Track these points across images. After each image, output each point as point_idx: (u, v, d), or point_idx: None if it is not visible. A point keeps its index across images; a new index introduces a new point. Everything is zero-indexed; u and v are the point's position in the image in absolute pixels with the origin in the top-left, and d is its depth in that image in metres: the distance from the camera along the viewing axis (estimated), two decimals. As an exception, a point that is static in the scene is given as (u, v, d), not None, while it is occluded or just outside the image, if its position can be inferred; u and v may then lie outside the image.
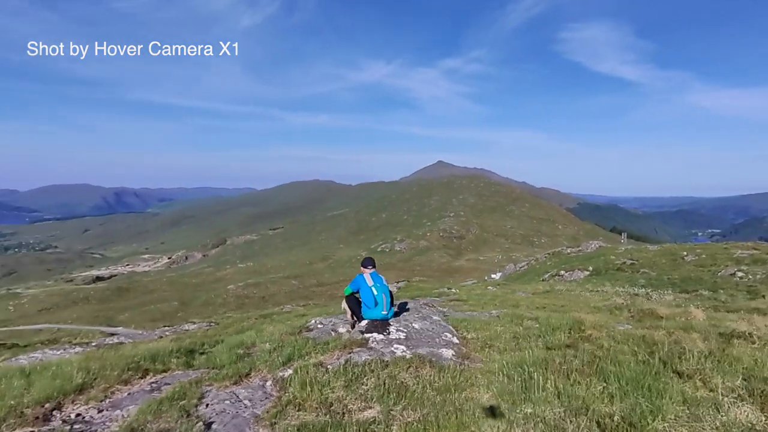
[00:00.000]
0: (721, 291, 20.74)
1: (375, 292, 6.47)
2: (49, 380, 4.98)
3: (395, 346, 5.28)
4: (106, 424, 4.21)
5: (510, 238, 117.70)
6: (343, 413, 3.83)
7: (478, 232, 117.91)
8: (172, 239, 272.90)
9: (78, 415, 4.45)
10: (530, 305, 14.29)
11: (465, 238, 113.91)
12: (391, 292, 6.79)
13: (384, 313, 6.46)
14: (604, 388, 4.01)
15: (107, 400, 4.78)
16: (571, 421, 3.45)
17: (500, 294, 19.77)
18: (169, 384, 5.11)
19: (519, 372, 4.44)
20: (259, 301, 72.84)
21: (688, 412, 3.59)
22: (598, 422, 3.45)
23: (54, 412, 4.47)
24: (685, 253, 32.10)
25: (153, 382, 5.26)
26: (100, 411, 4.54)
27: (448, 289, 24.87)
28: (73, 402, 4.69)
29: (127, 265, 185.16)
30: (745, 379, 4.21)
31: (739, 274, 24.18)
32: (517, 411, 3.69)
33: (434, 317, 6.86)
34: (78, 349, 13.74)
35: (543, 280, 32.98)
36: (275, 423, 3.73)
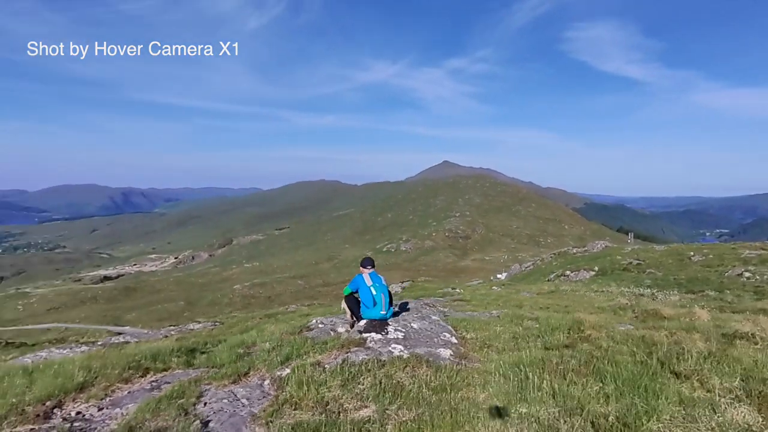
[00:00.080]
0: (728, 291, 20.58)
1: (374, 292, 6.49)
2: (51, 378, 5.04)
3: (393, 345, 5.30)
4: (106, 422, 4.25)
5: (516, 238, 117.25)
6: (339, 412, 3.85)
7: (483, 232, 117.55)
8: (178, 239, 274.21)
9: (78, 413, 4.50)
10: (534, 305, 14.26)
11: (471, 238, 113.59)
12: (390, 292, 6.80)
13: (383, 312, 6.48)
14: (600, 388, 4.01)
15: (108, 399, 4.83)
16: (565, 421, 3.45)
17: (504, 294, 19.72)
18: (169, 383, 5.15)
19: (515, 372, 4.45)
20: (265, 301, 73.02)
21: (683, 412, 3.58)
22: (592, 422, 3.44)
23: (55, 410, 4.53)
24: (691, 253, 31.89)
25: (153, 381, 5.31)
26: (100, 409, 4.59)
27: (453, 289, 24.85)
28: (74, 400, 4.74)
29: (135, 264, 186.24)
30: (743, 380, 4.19)
31: (747, 274, 23.98)
32: (512, 411, 3.70)
33: (433, 317, 6.87)
34: (84, 348, 13.85)
35: (548, 281, 32.88)
36: (271, 422, 3.76)
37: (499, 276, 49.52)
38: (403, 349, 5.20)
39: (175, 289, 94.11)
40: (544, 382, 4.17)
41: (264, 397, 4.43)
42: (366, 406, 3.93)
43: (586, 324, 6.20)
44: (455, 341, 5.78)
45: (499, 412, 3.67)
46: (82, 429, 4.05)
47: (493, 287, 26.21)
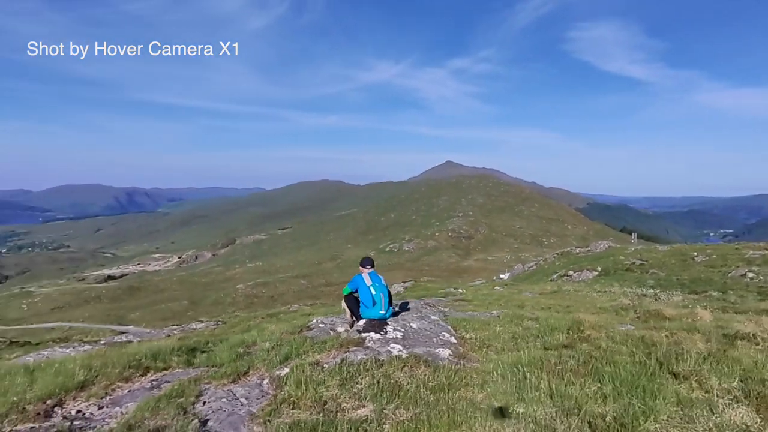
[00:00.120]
0: (731, 292, 20.49)
1: (373, 292, 6.50)
2: (52, 377, 5.07)
3: (392, 345, 5.31)
4: (106, 420, 4.28)
5: (519, 238, 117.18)
6: (337, 412, 3.86)
7: (486, 232, 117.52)
8: (182, 239, 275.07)
9: (78, 411, 4.53)
10: (535, 305, 14.24)
11: (474, 238, 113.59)
12: (389, 291, 6.80)
13: (382, 312, 6.48)
14: (598, 388, 4.00)
15: (108, 397, 4.85)
16: (562, 421, 3.45)
17: (506, 294, 19.70)
18: (169, 382, 5.18)
19: (514, 372, 4.45)
20: (267, 301, 73.20)
21: (681, 413, 3.58)
22: (589, 422, 3.44)
23: (55, 409, 4.55)
24: (695, 253, 31.76)
25: (154, 380, 5.33)
26: (100, 408, 4.61)
27: (455, 289, 24.84)
28: (74, 399, 4.77)
29: (138, 264, 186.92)
30: (742, 381, 4.18)
31: (750, 274, 23.88)
32: (509, 410, 3.70)
33: (433, 317, 6.87)
34: (87, 347, 13.91)
35: (551, 281, 32.81)
36: (269, 421, 3.78)
37: (502, 276, 49.47)
38: (401, 348, 5.21)
39: (178, 289, 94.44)
40: (542, 382, 4.17)
41: (263, 396, 4.44)
42: (364, 406, 3.94)
43: (586, 324, 6.20)
44: (454, 341, 5.78)
45: (496, 412, 3.67)
46: (82, 427, 4.08)
47: (496, 287, 26.18)
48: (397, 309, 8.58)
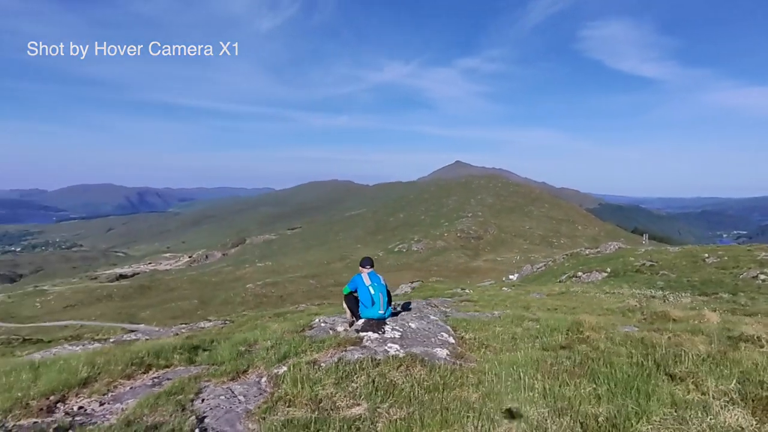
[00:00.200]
0: (742, 294, 20.27)
1: (372, 292, 6.53)
2: (56, 374, 5.17)
3: (389, 345, 5.34)
4: (106, 416, 4.36)
5: (529, 239, 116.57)
6: (331, 410, 3.91)
7: (496, 233, 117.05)
8: (192, 238, 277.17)
9: (80, 407, 4.62)
10: (541, 306, 14.21)
11: (483, 238, 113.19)
12: (389, 291, 6.83)
13: (381, 312, 6.51)
14: (593, 389, 4.00)
15: (110, 394, 4.94)
16: (553, 421, 3.46)
17: (513, 295, 19.65)
18: (170, 379, 5.25)
19: (509, 372, 4.46)
20: (277, 300, 73.53)
21: (675, 414, 3.57)
22: (581, 423, 3.45)
23: (58, 405, 4.65)
24: (706, 254, 31.44)
25: (155, 377, 5.41)
26: (102, 404, 4.70)
27: (462, 290, 24.80)
28: (77, 395, 4.86)
29: (150, 263, 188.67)
30: (740, 383, 4.15)
31: (762, 276, 23.58)
32: (502, 410, 3.71)
33: (432, 317, 6.89)
34: (96, 345, 14.11)
35: (560, 282, 32.64)
36: (264, 418, 3.83)
37: (511, 277, 49.30)
38: (399, 348, 5.24)
39: (188, 288, 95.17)
40: (537, 382, 4.18)
41: (260, 394, 4.50)
42: (358, 404, 3.98)
43: (586, 325, 6.18)
44: (453, 341, 5.80)
45: (489, 412, 3.68)
46: (82, 423, 4.15)
47: (503, 288, 26.10)
48: (398, 309, 8.61)
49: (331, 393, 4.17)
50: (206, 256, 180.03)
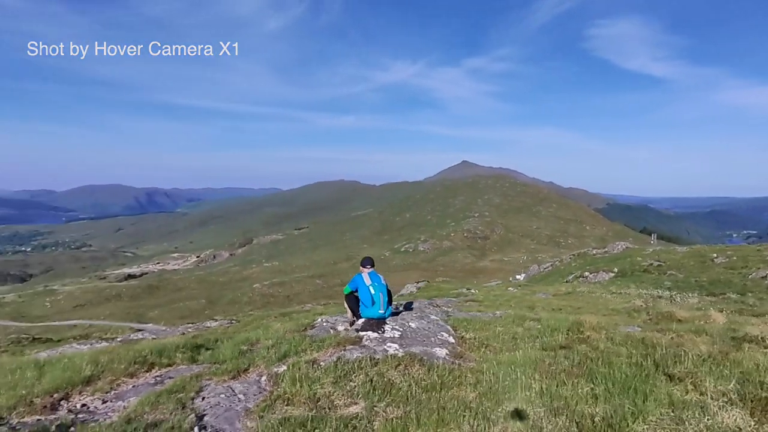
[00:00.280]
0: (750, 294, 20.09)
1: (372, 291, 6.56)
2: (60, 372, 5.24)
3: (388, 344, 5.37)
4: (108, 414, 4.42)
5: (536, 239, 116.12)
6: (329, 408, 3.94)
7: (503, 233, 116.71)
8: (200, 238, 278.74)
9: (83, 405, 4.69)
10: (546, 307, 14.17)
11: (489, 238, 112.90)
12: (389, 291, 6.86)
13: (381, 312, 6.54)
14: (590, 389, 4.00)
15: (112, 392, 5.00)
16: (549, 421, 3.47)
17: (519, 295, 19.60)
18: (172, 378, 5.31)
19: (508, 372, 4.47)
20: (283, 300, 73.79)
21: (672, 414, 3.56)
22: (577, 423, 3.45)
23: (61, 402, 4.72)
24: (714, 255, 31.17)
25: (158, 376, 5.47)
26: (104, 402, 4.77)
27: (468, 290, 24.77)
28: (80, 393, 4.93)
29: (158, 263, 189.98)
30: (739, 384, 4.13)
31: (771, 277, 23.35)
32: (499, 410, 3.73)
33: (432, 317, 6.91)
34: (104, 344, 14.25)
35: (566, 282, 32.49)
36: (263, 416, 3.87)
37: (518, 277, 49.16)
38: (398, 347, 5.26)
39: (196, 288, 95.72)
40: (535, 382, 4.18)
41: (260, 392, 4.54)
42: (356, 403, 4.01)
43: (586, 325, 6.17)
44: (452, 341, 5.81)
45: (485, 411, 3.69)
46: (84, 420, 4.22)
47: (509, 288, 26.03)
48: (401, 309, 8.63)
49: (330, 392, 4.20)
50: (214, 256, 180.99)
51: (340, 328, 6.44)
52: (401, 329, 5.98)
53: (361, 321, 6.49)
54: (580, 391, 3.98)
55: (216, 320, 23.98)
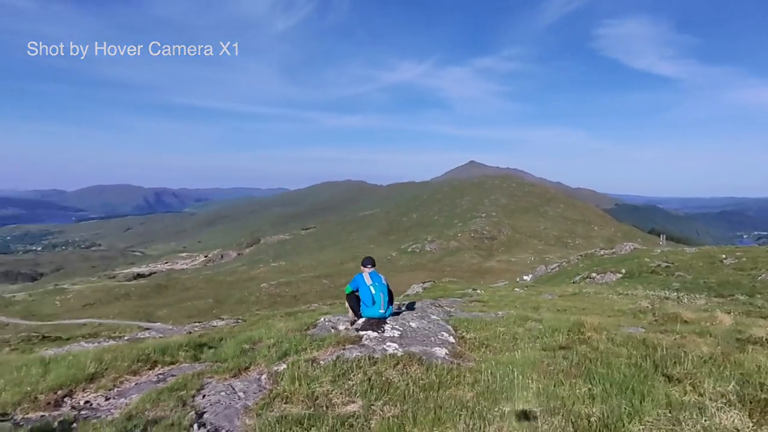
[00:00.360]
0: (759, 296, 19.90)
1: (373, 291, 6.60)
2: (64, 369, 5.32)
3: (388, 343, 5.39)
4: (111, 411, 4.49)
5: (543, 240, 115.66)
6: (327, 406, 3.97)
7: (510, 233, 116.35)
8: (208, 238, 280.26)
9: (87, 402, 4.76)
10: (551, 307, 14.12)
11: (497, 239, 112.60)
12: (390, 291, 6.89)
13: (381, 311, 6.57)
14: (588, 389, 4.00)
15: (115, 389, 5.08)
16: (545, 420, 3.48)
17: (525, 296, 19.55)
18: (174, 376, 5.37)
19: (506, 372, 4.47)
20: (290, 300, 74.06)
21: (669, 415, 3.55)
22: (573, 422, 3.45)
23: (65, 399, 4.80)
24: (724, 256, 30.88)
25: (160, 374, 5.54)
26: (107, 399, 4.84)
27: (474, 290, 24.73)
28: (83, 390, 5.01)
29: (166, 263, 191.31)
30: (739, 385, 4.11)
31: (781, 278, 23.12)
32: (495, 410, 3.74)
33: (433, 317, 6.92)
34: (111, 342, 14.39)
35: (573, 283, 32.33)
36: (261, 414, 3.91)
37: (525, 278, 49.03)
38: (397, 347, 5.29)
39: (204, 287, 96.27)
40: (533, 382, 4.19)
41: (260, 390, 4.59)
42: (353, 402, 4.04)
43: (587, 326, 6.15)
44: (452, 341, 5.83)
45: (481, 411, 3.71)
46: (87, 417, 4.28)
47: (516, 289, 25.97)
48: (402, 309, 8.66)
49: (328, 390, 4.24)
50: (221, 256, 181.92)
51: (341, 327, 6.48)
52: (401, 329, 6.01)
53: (361, 320, 6.53)
54: (577, 391, 3.98)
55: (222, 319, 24.12)
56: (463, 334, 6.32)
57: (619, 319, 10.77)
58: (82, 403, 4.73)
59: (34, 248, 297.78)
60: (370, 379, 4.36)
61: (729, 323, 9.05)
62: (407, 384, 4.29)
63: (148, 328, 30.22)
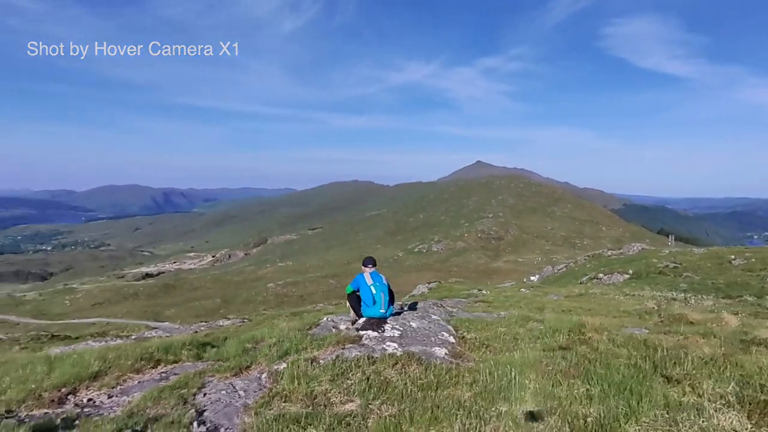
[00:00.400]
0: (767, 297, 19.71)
1: (373, 291, 6.63)
2: (69, 367, 5.40)
3: (388, 343, 5.41)
4: (113, 408, 4.55)
5: (551, 240, 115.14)
6: (325, 405, 4.01)
7: (517, 233, 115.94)
8: (216, 238, 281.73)
9: (90, 399, 4.83)
10: (556, 308, 14.07)
11: (504, 239, 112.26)
12: (391, 291, 6.92)
13: (382, 311, 6.61)
14: (586, 390, 4.00)
15: (118, 387, 5.14)
16: (541, 420, 3.48)
17: (530, 296, 19.49)
18: (177, 374, 5.43)
19: (504, 372, 4.48)
20: (297, 300, 74.27)
21: (666, 416, 3.54)
22: (569, 422, 3.46)
23: (69, 397, 4.87)
24: (732, 256, 30.60)
25: (163, 372, 5.60)
26: (110, 397, 4.90)
27: (480, 290, 24.69)
28: (87, 388, 5.08)
29: (174, 262, 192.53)
30: (739, 386, 4.09)
31: (790, 279, 22.87)
32: (492, 409, 3.75)
33: (434, 317, 6.94)
34: (119, 341, 14.54)
35: (580, 283, 32.18)
36: (260, 412, 3.95)
37: (532, 278, 48.86)
38: (397, 347, 5.31)
39: (212, 287, 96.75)
40: (531, 382, 4.19)
41: (260, 389, 4.63)
42: (351, 401, 4.07)
43: (588, 326, 6.14)
44: (453, 341, 5.84)
45: (478, 410, 3.72)
46: (89, 414, 4.34)
47: (522, 289, 25.90)
48: (405, 309, 8.69)
49: (327, 389, 4.27)
50: (229, 256, 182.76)
51: (342, 327, 6.52)
52: (401, 329, 6.03)
53: (362, 320, 6.56)
54: (575, 391, 3.98)
55: (229, 319, 24.28)
56: (464, 334, 6.33)
57: (624, 320, 10.72)
58: (85, 400, 4.79)
59: (44, 248, 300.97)
60: (368, 379, 4.39)
61: (735, 324, 8.99)
62: (405, 383, 4.31)
63: (155, 328, 30.45)
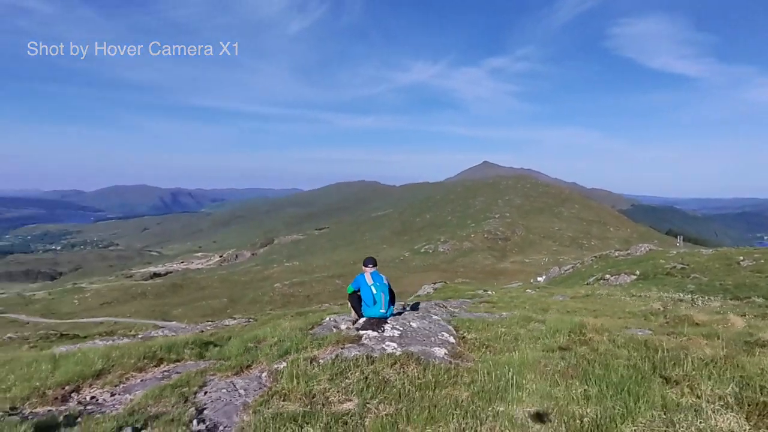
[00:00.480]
0: (776, 298, 19.52)
1: (374, 291, 6.66)
2: (73, 365, 5.47)
3: (387, 343, 5.44)
4: (116, 406, 4.61)
5: (558, 240, 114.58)
6: (323, 404, 4.04)
7: (524, 234, 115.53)
8: (223, 238, 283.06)
9: (93, 397, 4.89)
10: (561, 309, 14.02)
11: (510, 239, 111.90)
12: (392, 291, 6.95)
13: (382, 311, 6.63)
14: (584, 390, 4.00)
15: (121, 385, 5.20)
16: (537, 421, 3.49)
17: (536, 297, 19.43)
18: (179, 373, 5.48)
19: (503, 372, 4.49)
20: (303, 300, 74.44)
21: (663, 417, 3.53)
22: (565, 423, 3.46)
23: (72, 394, 4.94)
24: (741, 257, 30.33)
25: (165, 371, 5.66)
26: (113, 395, 4.96)
27: (485, 291, 24.65)
28: (90, 386, 5.15)
29: (182, 262, 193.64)
30: (738, 387, 4.07)
31: (800, 280, 22.63)
32: (489, 409, 3.76)
33: (435, 317, 6.95)
34: (126, 340, 14.67)
35: (587, 284, 32.03)
36: (258, 411, 3.98)
37: (538, 279, 48.69)
38: (396, 346, 5.33)
39: (219, 287, 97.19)
40: (529, 382, 4.20)
41: (260, 388, 4.67)
42: (349, 400, 4.10)
43: (589, 327, 6.13)
44: (452, 341, 5.85)
45: (475, 410, 3.73)
46: (91, 412, 4.40)
47: (528, 290, 25.83)
48: (406, 309, 8.71)
49: (325, 388, 4.30)
50: (236, 256, 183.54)
51: (343, 326, 6.55)
52: (401, 328, 6.05)
53: (362, 320, 6.59)
54: (573, 392, 3.98)
55: (235, 318, 24.40)
56: (464, 334, 6.34)
57: (628, 321, 10.67)
58: (88, 398, 4.86)
59: (53, 248, 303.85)
60: (367, 378, 4.41)
61: (741, 326, 8.92)
62: (403, 383, 4.33)
63: (162, 327, 30.64)
